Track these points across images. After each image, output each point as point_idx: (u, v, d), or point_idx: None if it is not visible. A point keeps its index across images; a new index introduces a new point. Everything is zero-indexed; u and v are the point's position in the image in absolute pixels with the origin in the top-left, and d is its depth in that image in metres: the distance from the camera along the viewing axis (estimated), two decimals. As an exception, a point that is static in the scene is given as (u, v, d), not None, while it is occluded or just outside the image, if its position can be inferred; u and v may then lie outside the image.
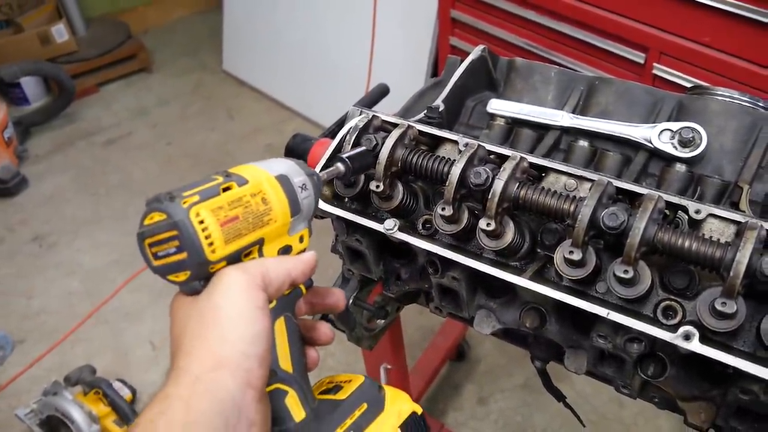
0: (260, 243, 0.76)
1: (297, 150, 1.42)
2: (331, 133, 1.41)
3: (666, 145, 1.25)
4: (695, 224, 0.95)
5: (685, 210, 0.96)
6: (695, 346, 0.85)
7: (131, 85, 4.64)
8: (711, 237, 0.90)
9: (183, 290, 0.74)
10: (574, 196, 0.95)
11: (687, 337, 0.86)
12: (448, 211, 0.99)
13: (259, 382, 0.70)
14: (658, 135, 1.26)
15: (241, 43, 4.43)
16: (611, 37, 2.36)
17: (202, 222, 0.69)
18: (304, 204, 0.80)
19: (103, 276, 3.28)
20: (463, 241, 1.07)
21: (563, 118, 1.35)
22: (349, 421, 0.79)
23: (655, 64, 2.26)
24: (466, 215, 1.02)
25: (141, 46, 4.66)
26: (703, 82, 2.10)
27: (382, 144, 1.04)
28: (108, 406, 2.48)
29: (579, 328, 1.04)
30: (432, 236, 1.10)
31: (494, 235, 0.98)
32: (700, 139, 1.22)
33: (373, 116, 1.10)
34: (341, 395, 0.82)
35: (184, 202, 0.69)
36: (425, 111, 1.29)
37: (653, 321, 0.92)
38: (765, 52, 2.00)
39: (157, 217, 0.69)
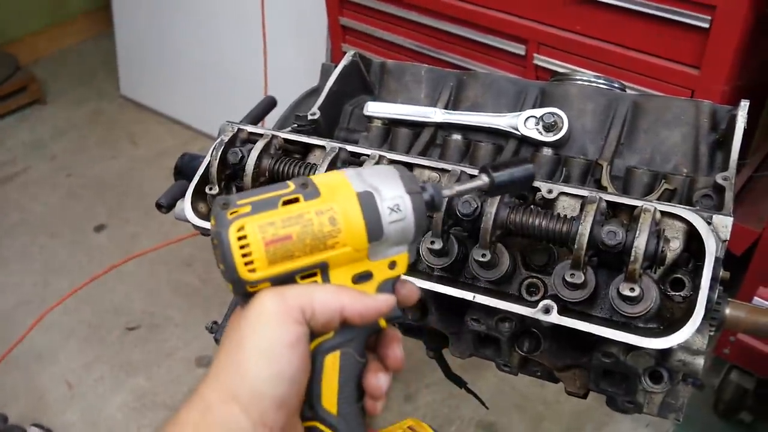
0: (323, 267, 0.67)
1: (186, 169, 1.42)
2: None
3: (531, 131, 1.31)
4: (549, 203, 1.01)
5: (538, 191, 1.01)
6: (554, 317, 0.90)
7: (24, 119, 4.47)
8: (561, 214, 0.96)
9: (237, 301, 0.68)
10: (433, 189, 0.98)
11: (546, 310, 0.91)
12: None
13: (276, 424, 0.64)
14: (524, 122, 1.32)
15: (137, 66, 4.34)
16: (492, 32, 2.45)
17: (243, 238, 0.63)
18: (391, 228, 0.67)
19: (10, 319, 3.14)
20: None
21: (436, 115, 1.39)
22: None
23: (535, 55, 2.36)
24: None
25: (32, 78, 4.50)
26: (582, 69, 2.21)
27: (248, 156, 1.06)
28: (22, 453, 2.39)
29: (457, 314, 1.08)
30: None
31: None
32: (562, 122, 1.29)
33: (239, 129, 1.12)
34: None
35: (233, 213, 0.64)
36: (294, 120, 1.31)
37: (518, 299, 0.97)
38: (630, 35, 2.12)
39: (212, 222, 0.65)
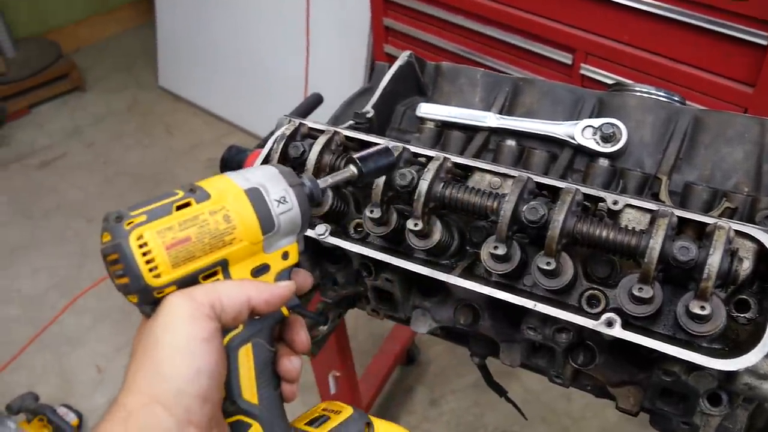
0: (224, 264, 0.70)
1: (232, 162, 1.42)
2: (266, 143, 1.41)
3: (588, 141, 1.29)
4: (614, 215, 0.99)
5: (604, 202, 0.99)
6: (617, 332, 0.88)
7: (64, 105, 4.53)
8: (628, 226, 0.94)
9: (141, 312, 0.69)
10: (497, 193, 0.97)
11: (609, 323, 0.89)
12: (377, 214, 1.00)
13: (202, 420, 0.65)
14: (581, 132, 1.30)
15: (176, 58, 4.38)
16: (539, 40, 2.42)
17: (144, 245, 0.64)
18: (281, 219, 0.72)
19: (42, 301, 3.18)
20: (394, 242, 1.08)
21: (490, 119, 1.38)
22: None
23: (582, 65, 2.33)
24: (394, 217, 1.04)
25: (73, 65, 4.56)
26: (628, 80, 2.18)
27: (309, 150, 1.05)
28: (52, 433, 2.41)
29: (511, 322, 1.07)
30: (364, 239, 1.11)
31: (422, 234, 1.00)
32: (621, 134, 1.27)
33: (300, 124, 1.11)
34: (323, 429, 0.77)
35: (129, 223, 0.65)
36: (353, 117, 1.31)
37: (578, 310, 0.95)
38: (681, 48, 2.09)
39: (106, 237, 0.66)
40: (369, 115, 1.34)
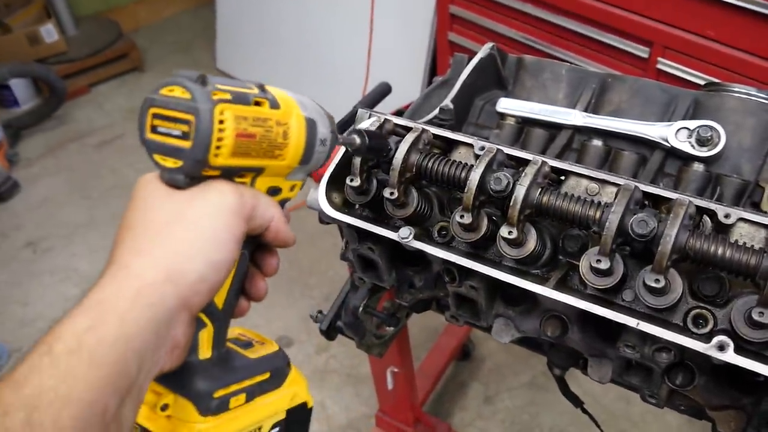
0: (258, 172, 0.72)
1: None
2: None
3: (683, 143, 1.22)
4: (723, 228, 0.92)
5: (713, 214, 0.92)
6: (730, 356, 0.82)
7: (123, 84, 4.57)
8: (743, 243, 0.87)
9: (163, 177, 0.68)
10: (599, 202, 0.91)
11: (721, 347, 0.83)
12: (467, 219, 0.95)
13: (197, 308, 0.66)
14: (675, 133, 1.23)
15: (234, 40, 4.37)
16: (614, 32, 2.32)
17: (222, 122, 0.64)
18: (315, 157, 0.76)
19: (99, 280, 3.23)
20: (481, 248, 1.03)
21: (576, 117, 1.31)
22: (247, 383, 0.75)
23: (659, 59, 2.23)
24: (485, 222, 0.99)
25: (132, 45, 4.60)
26: (710, 77, 2.07)
27: (396, 149, 1.00)
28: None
29: (602, 336, 1.01)
30: (448, 244, 1.06)
31: (516, 243, 0.94)
32: (719, 137, 1.19)
33: (385, 120, 1.06)
34: (250, 353, 0.78)
35: (215, 94, 0.64)
36: (436, 112, 1.26)
37: (683, 330, 0.89)
38: (764, 44, 1.97)
39: (179, 92, 0.64)
40: (450, 109, 1.29)
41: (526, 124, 1.36)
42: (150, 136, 0.66)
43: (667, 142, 1.23)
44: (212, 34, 4.55)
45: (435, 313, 1.31)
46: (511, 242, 0.94)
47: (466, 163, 0.98)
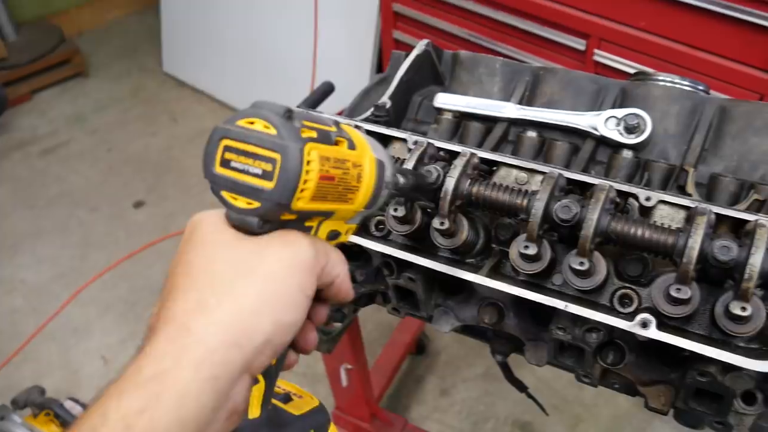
0: (327, 216, 0.65)
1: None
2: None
3: (612, 132, 1.26)
4: (646, 211, 0.96)
5: (635, 198, 0.96)
6: (653, 333, 0.86)
7: (67, 91, 4.48)
8: (662, 224, 0.91)
9: (231, 217, 0.60)
10: (526, 190, 0.94)
11: (644, 324, 0.86)
12: (401, 212, 0.97)
13: (258, 371, 0.59)
14: (604, 122, 1.27)
15: (180, 43, 4.32)
16: (552, 25, 2.38)
17: (309, 163, 0.57)
18: (378, 202, 0.69)
19: (47, 292, 3.16)
20: (417, 240, 1.05)
21: (510, 110, 1.35)
22: None
23: (595, 51, 2.29)
24: (419, 215, 1.01)
25: (75, 50, 4.50)
26: (644, 67, 2.14)
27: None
28: (60, 427, 2.39)
29: (537, 320, 1.04)
30: (385, 237, 1.08)
31: (449, 233, 0.97)
32: (645, 124, 1.24)
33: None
34: (294, 410, 0.74)
35: (303, 132, 0.58)
36: (372, 109, 1.27)
37: (610, 310, 0.93)
38: (699, 35, 2.04)
39: (261, 126, 0.57)
40: (387, 107, 1.31)
41: (463, 118, 1.38)
42: (220, 170, 0.58)
43: (597, 130, 1.27)
44: (158, 38, 4.49)
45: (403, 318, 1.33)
46: (443, 233, 0.97)
47: (399, 158, 0.99)
